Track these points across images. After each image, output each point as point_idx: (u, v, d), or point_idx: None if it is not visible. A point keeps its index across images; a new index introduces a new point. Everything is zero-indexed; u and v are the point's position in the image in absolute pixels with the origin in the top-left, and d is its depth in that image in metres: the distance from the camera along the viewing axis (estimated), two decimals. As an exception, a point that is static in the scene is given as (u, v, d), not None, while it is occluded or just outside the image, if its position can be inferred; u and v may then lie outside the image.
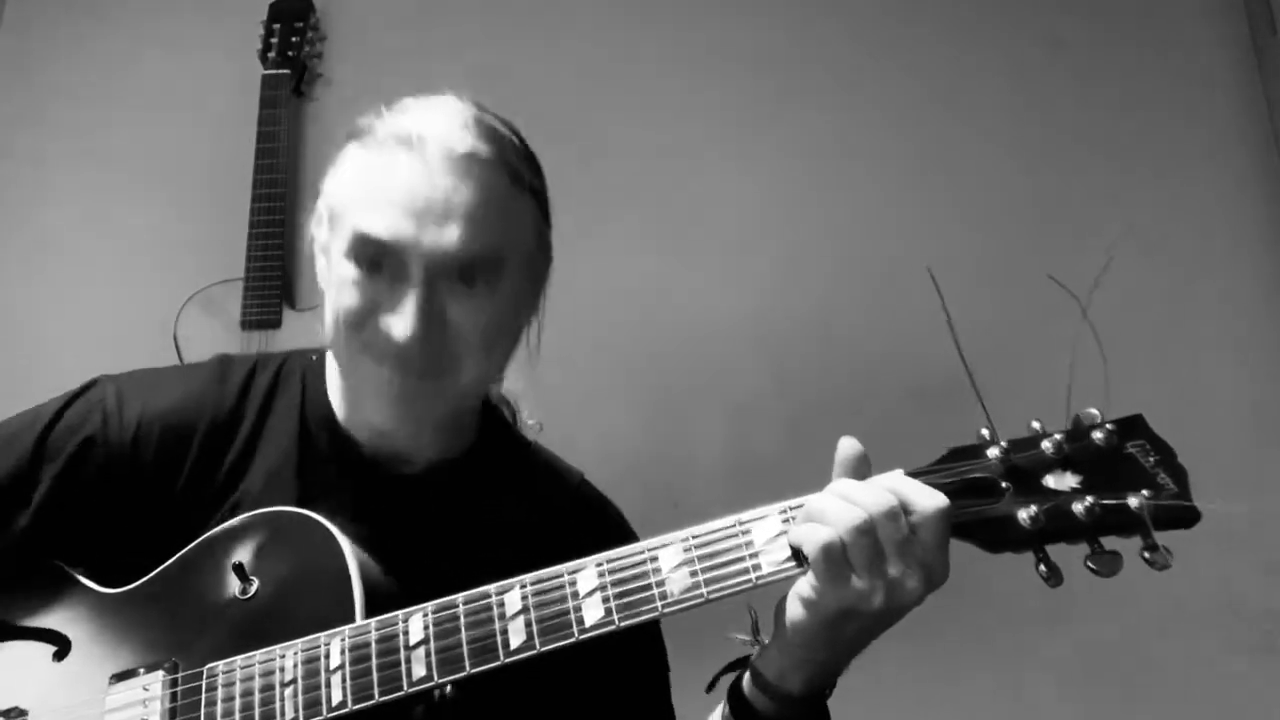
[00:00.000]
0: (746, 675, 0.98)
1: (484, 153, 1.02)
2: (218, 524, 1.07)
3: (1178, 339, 2.19)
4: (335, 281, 1.04)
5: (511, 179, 1.04)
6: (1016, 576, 2.11)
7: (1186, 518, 0.83)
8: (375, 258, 1.00)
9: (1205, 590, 1.96)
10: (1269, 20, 2.28)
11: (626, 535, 1.18)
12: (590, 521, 1.19)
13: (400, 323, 1.00)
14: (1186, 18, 2.35)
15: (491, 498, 1.16)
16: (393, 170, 1.01)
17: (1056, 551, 0.85)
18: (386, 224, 0.99)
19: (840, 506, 0.86)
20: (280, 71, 2.39)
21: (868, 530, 0.85)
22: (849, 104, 2.38)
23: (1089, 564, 0.83)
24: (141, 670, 1.00)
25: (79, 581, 1.08)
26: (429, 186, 1.00)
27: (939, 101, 2.36)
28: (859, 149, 2.35)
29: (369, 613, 0.95)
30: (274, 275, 2.23)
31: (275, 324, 2.21)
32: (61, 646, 1.04)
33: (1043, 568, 0.84)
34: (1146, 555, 0.81)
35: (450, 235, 0.99)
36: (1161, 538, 0.82)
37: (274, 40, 2.41)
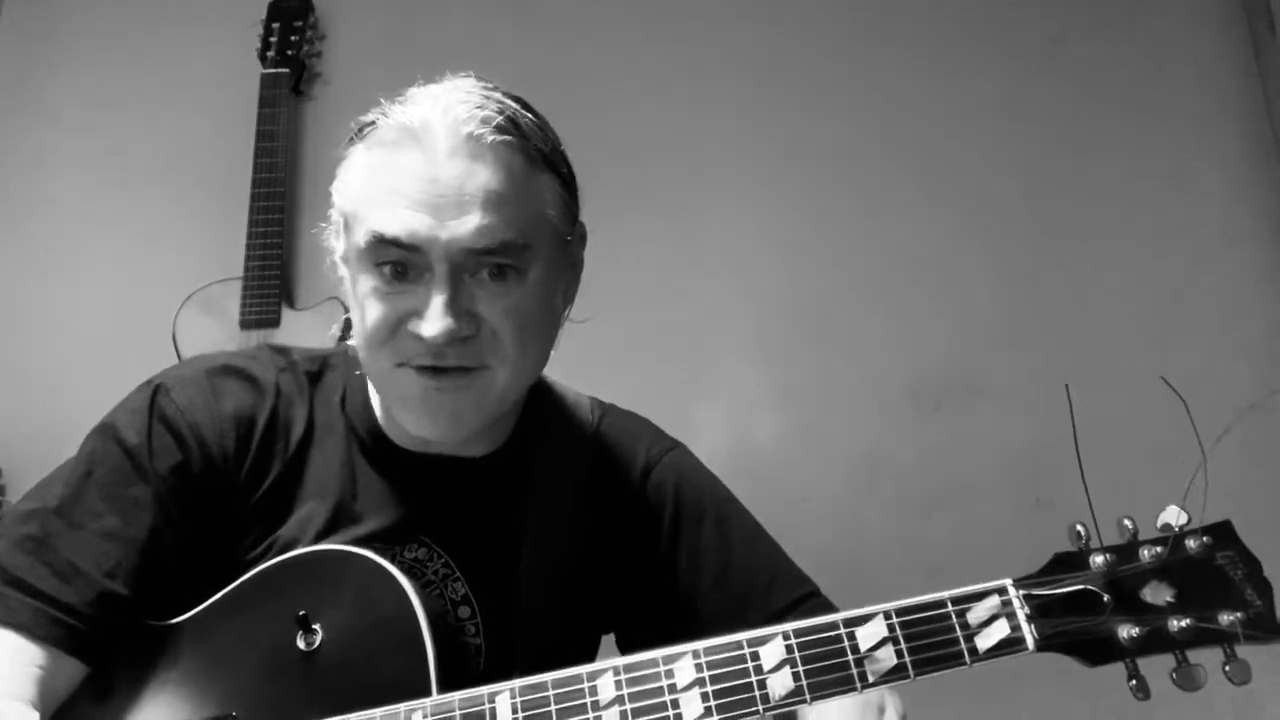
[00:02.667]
0: None
1: (495, 132, 0.95)
2: (274, 528, 1.03)
3: (1176, 338, 2.19)
4: (359, 295, 0.99)
5: (527, 158, 0.98)
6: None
7: (1271, 636, 0.87)
8: (395, 260, 0.95)
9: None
10: (1269, 20, 2.28)
11: (678, 499, 1.15)
12: (654, 507, 1.14)
13: (429, 324, 0.94)
14: (1186, 18, 2.35)
15: (545, 473, 1.12)
16: (400, 164, 0.95)
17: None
18: (401, 222, 0.93)
19: None
20: (279, 70, 2.39)
21: None
22: (849, 104, 2.38)
23: (1173, 677, 0.87)
24: None
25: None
26: (439, 174, 0.93)
27: (939, 101, 2.36)
28: (860, 148, 2.35)
29: (440, 667, 0.92)
30: (273, 274, 2.23)
31: (274, 323, 2.21)
32: (104, 684, 0.96)
33: (1134, 682, 0.88)
34: (1227, 669, 0.86)
35: (469, 224, 0.93)
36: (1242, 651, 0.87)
37: (273, 39, 2.41)
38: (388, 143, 0.97)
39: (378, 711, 0.88)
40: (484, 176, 0.94)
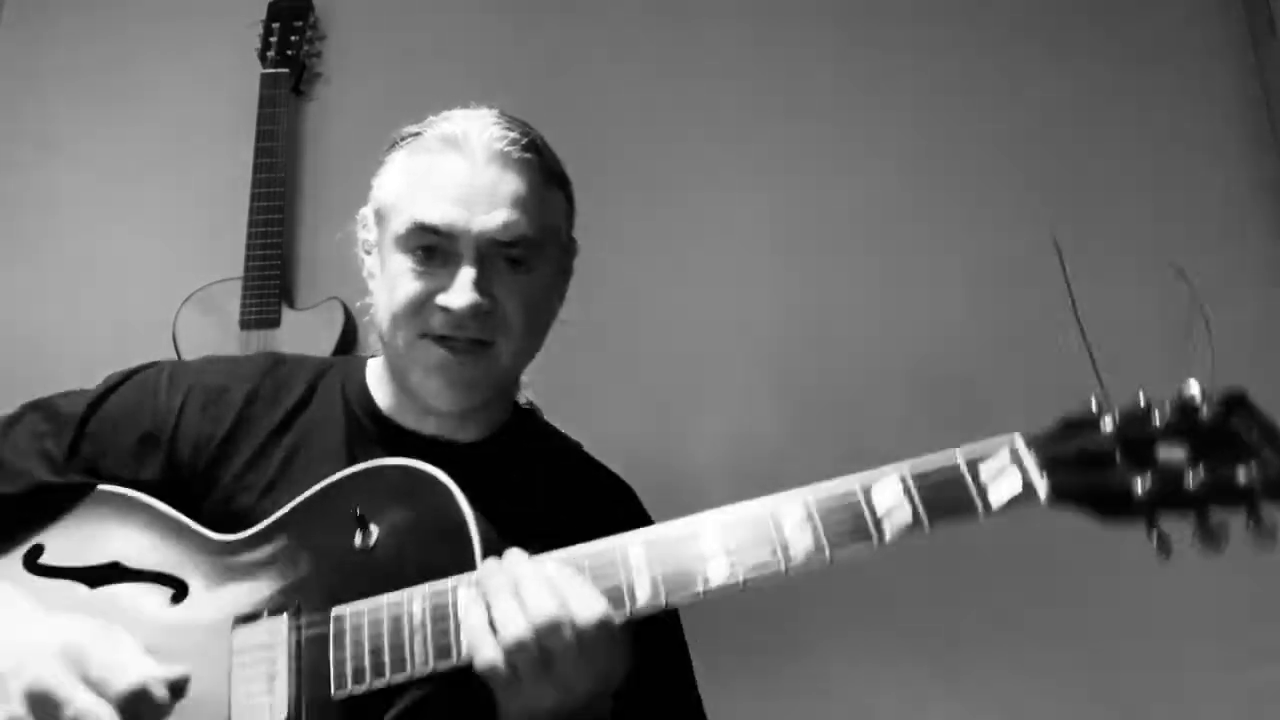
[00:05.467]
0: None
1: (521, 151, 1.15)
2: (248, 499, 1.14)
3: (1175, 337, 2.18)
4: (390, 275, 1.15)
5: (544, 175, 1.17)
6: (1016, 590, 2.11)
7: None
8: (430, 245, 1.12)
9: (1222, 596, 1.94)
10: (1269, 20, 2.28)
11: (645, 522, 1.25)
12: (616, 504, 1.29)
13: (456, 295, 1.11)
14: (1186, 17, 2.35)
15: (525, 472, 1.24)
16: (442, 167, 1.14)
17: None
18: (440, 212, 1.12)
19: (508, 613, 0.92)
20: (279, 70, 2.39)
21: (528, 646, 0.91)
22: (849, 104, 2.38)
23: (1195, 537, 0.85)
24: (265, 614, 1.02)
25: (191, 528, 1.11)
26: (476, 178, 1.13)
27: (938, 102, 2.36)
28: (859, 149, 2.35)
29: (485, 554, 1.00)
30: (273, 274, 2.23)
31: (274, 323, 2.21)
32: (179, 589, 1.07)
33: (1156, 534, 0.86)
34: (1252, 527, 0.84)
35: (497, 218, 1.12)
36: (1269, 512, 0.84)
37: (273, 39, 2.41)
38: (430, 149, 1.16)
39: (425, 587, 0.99)
40: (512, 183, 1.14)
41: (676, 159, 2.36)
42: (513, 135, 1.15)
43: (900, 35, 2.40)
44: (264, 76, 2.38)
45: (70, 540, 1.11)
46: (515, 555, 0.97)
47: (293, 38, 2.41)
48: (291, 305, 2.27)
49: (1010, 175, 2.30)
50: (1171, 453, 0.87)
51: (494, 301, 1.13)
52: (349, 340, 2.17)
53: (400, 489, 1.07)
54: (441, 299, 1.12)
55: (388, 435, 1.21)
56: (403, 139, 1.20)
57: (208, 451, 1.17)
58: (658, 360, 2.26)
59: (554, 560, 0.97)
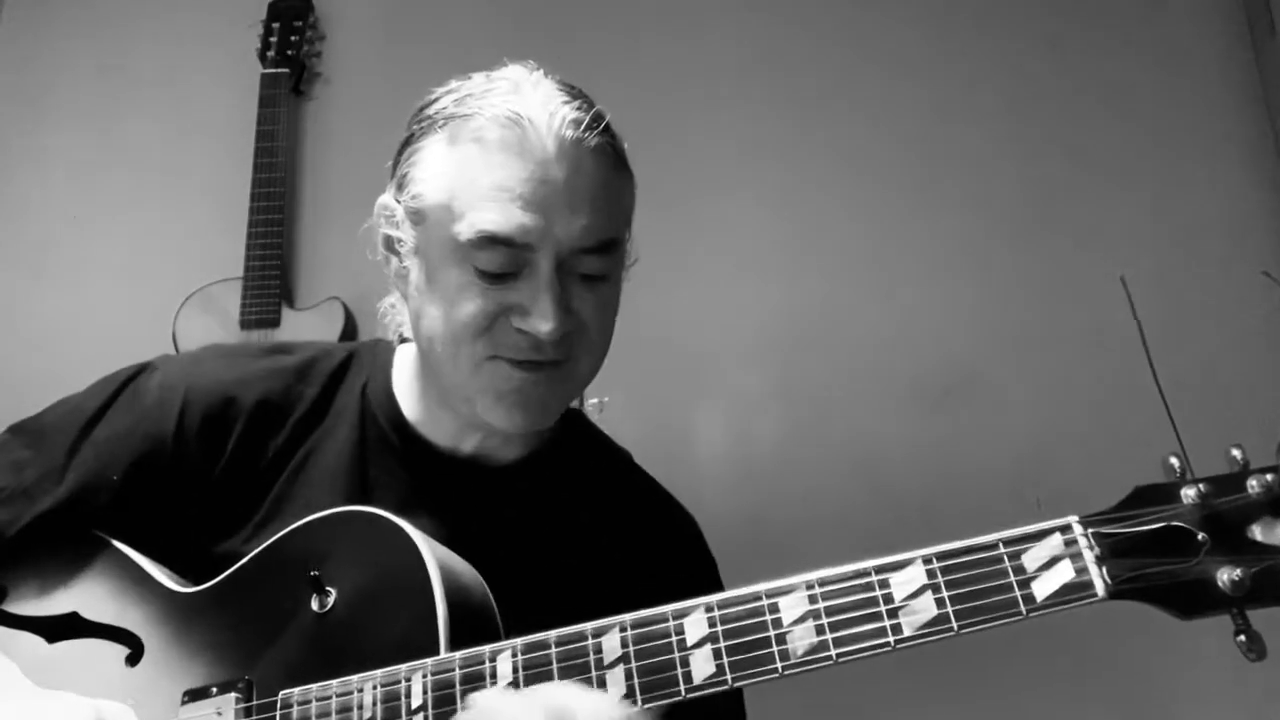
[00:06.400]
0: None
1: (594, 135, 0.98)
2: (261, 511, 1.04)
3: (1176, 337, 2.18)
4: (446, 288, 0.97)
5: (616, 158, 1.02)
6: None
7: None
8: (501, 256, 0.95)
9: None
10: (1269, 20, 2.27)
11: (706, 561, 1.16)
12: (674, 540, 1.15)
13: (540, 321, 0.95)
14: (1186, 18, 2.35)
15: (570, 489, 1.12)
16: (506, 162, 0.95)
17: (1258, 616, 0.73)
18: (514, 221, 0.94)
19: None
20: (279, 70, 2.39)
21: None
22: (849, 107, 2.38)
23: None
24: (214, 690, 0.95)
25: (151, 576, 1.02)
26: (549, 173, 0.95)
27: (938, 103, 2.36)
28: (860, 150, 2.35)
29: (453, 627, 0.90)
30: (273, 274, 2.23)
31: (274, 323, 2.21)
32: (134, 649, 1.00)
33: (1242, 638, 0.72)
34: None
35: (577, 224, 0.95)
36: None
37: (273, 39, 2.41)
38: (486, 139, 0.96)
39: (379, 673, 0.89)
40: (589, 179, 0.97)
41: (680, 161, 2.36)
42: (584, 116, 0.98)
43: (902, 38, 2.40)
44: (264, 76, 2.39)
45: (32, 582, 1.04)
46: (488, 696, 0.83)
47: (293, 38, 2.41)
48: (291, 305, 2.27)
49: (1011, 176, 2.30)
50: (1271, 533, 0.71)
51: (575, 317, 0.98)
52: (349, 340, 2.18)
53: (364, 543, 0.96)
54: (521, 323, 0.96)
55: (413, 452, 1.07)
56: (443, 119, 0.99)
57: (208, 479, 1.05)
58: (658, 360, 2.26)
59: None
